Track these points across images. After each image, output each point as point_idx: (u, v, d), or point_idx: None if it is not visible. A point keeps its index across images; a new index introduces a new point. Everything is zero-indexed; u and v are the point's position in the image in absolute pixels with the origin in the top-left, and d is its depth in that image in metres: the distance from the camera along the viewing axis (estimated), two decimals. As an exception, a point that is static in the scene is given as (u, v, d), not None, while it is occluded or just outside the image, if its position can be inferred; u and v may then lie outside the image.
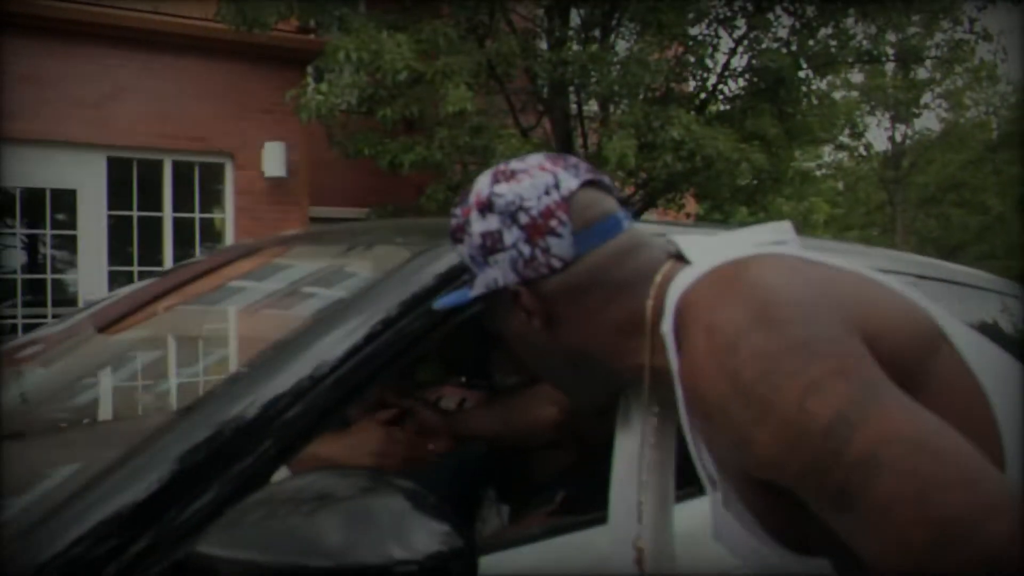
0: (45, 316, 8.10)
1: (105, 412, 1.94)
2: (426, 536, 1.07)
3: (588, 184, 1.10)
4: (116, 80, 8.32)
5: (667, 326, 1.01)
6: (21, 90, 7.92)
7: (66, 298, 8.32)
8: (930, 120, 45.90)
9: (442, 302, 1.24)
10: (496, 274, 1.10)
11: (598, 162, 8.88)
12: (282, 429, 1.25)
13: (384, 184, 12.29)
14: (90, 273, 8.33)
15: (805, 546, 0.99)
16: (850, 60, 10.59)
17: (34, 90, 7.97)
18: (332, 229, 2.35)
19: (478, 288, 1.14)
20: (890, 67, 20.32)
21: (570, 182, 1.09)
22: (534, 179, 1.09)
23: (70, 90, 8.12)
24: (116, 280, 8.44)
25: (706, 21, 9.76)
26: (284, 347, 1.36)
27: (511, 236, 1.08)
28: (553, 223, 1.07)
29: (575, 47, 9.03)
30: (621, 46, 9.73)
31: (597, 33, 9.50)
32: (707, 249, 1.07)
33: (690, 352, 0.94)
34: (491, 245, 1.09)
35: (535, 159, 1.14)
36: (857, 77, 22.70)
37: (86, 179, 8.32)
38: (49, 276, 8.36)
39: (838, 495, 0.83)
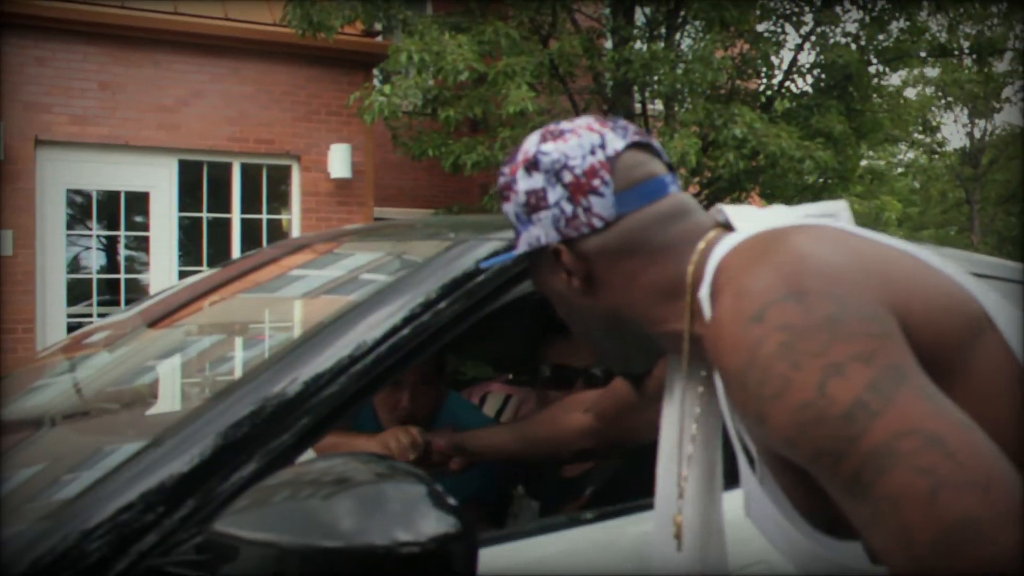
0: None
1: (158, 398, 2.02)
2: (431, 521, 1.10)
3: (636, 146, 1.10)
4: (187, 85, 8.55)
5: (704, 291, 0.99)
6: (100, 97, 8.20)
7: (139, 297, 8.57)
8: (1012, 115, 44.51)
9: (489, 262, 1.26)
10: (539, 232, 1.11)
11: (661, 161, 8.82)
12: (321, 405, 1.31)
13: (449, 185, 12.41)
14: (161, 273, 8.57)
15: (835, 528, 0.96)
16: (922, 54, 10.33)
17: (111, 96, 8.25)
18: (383, 224, 2.40)
19: (521, 246, 1.14)
20: (967, 61, 19.78)
21: (616, 143, 1.09)
22: (580, 138, 1.09)
23: (143, 96, 8.37)
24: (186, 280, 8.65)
25: (772, 17, 9.64)
26: (326, 328, 1.41)
27: (554, 194, 1.08)
28: (596, 182, 1.07)
29: (639, 45, 8.99)
30: (686, 44, 9.67)
31: (662, 31, 9.46)
32: (754, 219, 1.06)
33: (717, 315, 0.92)
34: (535, 203, 1.10)
35: (584, 120, 1.14)
36: (933, 72, 22.14)
37: (158, 181, 8.56)
38: (123, 276, 8.62)
39: (852, 482, 0.80)
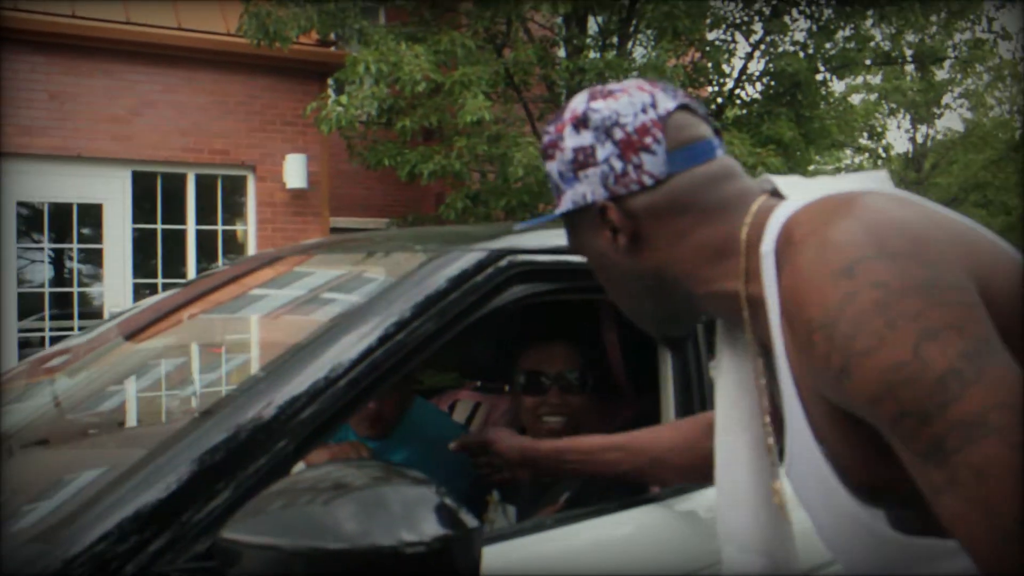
0: (72, 329, 8.24)
1: (130, 418, 2.01)
2: (433, 522, 1.13)
3: (684, 108, 1.10)
4: (140, 95, 8.47)
5: (768, 246, 0.98)
6: (48, 106, 8.09)
7: (92, 311, 8.46)
8: (953, 120, 45.60)
9: (525, 223, 1.25)
10: (585, 189, 1.10)
11: (616, 168, 8.93)
12: (297, 429, 1.31)
13: (404, 194, 12.41)
14: (115, 286, 8.47)
15: (869, 493, 0.96)
16: (868, 62, 10.58)
17: (61, 106, 8.15)
18: (352, 238, 2.42)
19: (565, 204, 1.13)
20: (910, 68, 20.25)
21: (667, 103, 1.08)
22: (632, 97, 1.09)
23: (96, 106, 8.28)
24: (140, 292, 8.57)
25: (723, 27, 9.81)
26: (300, 351, 1.42)
27: (604, 151, 1.08)
28: (648, 140, 1.06)
29: (592, 54, 9.09)
30: (639, 52, 9.79)
31: (615, 40, 9.57)
32: (804, 187, 1.06)
33: (797, 266, 0.91)
34: (583, 160, 1.09)
35: (633, 81, 1.13)
36: (876, 79, 22.62)
37: (112, 193, 8.47)
38: (76, 289, 8.50)
39: (933, 447, 0.80)
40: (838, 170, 23.87)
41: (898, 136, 40.54)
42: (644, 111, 1.07)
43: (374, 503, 1.15)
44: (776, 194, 1.08)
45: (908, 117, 24.72)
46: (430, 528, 1.12)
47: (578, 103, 1.12)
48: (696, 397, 1.77)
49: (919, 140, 25.32)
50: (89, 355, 2.26)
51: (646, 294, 1.15)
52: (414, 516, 1.14)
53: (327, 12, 8.09)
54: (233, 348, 2.07)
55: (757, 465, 1.20)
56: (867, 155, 22.08)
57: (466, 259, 1.59)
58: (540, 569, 1.47)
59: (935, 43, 12.93)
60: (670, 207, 1.07)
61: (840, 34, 10.02)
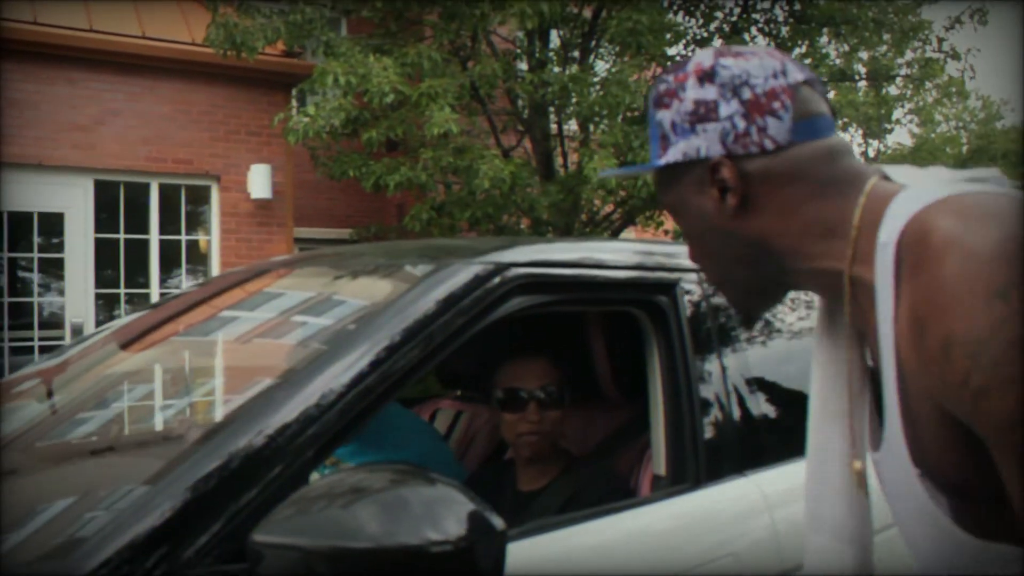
0: (31, 339, 8.14)
1: (110, 442, 1.97)
2: (456, 521, 1.17)
3: (808, 83, 1.09)
4: (103, 104, 8.41)
5: (887, 237, 0.96)
6: (8, 114, 8.00)
7: (52, 321, 8.36)
8: (902, 135, 46.55)
9: (610, 172, 1.22)
10: (700, 143, 1.08)
11: (579, 181, 9.05)
12: (291, 456, 1.34)
13: (366, 205, 12.43)
14: (76, 296, 8.38)
15: (949, 491, 0.97)
16: (824, 79, 10.81)
17: (21, 114, 8.05)
18: (336, 251, 2.43)
19: (672, 156, 1.10)
20: (861, 85, 20.67)
21: (796, 74, 1.08)
22: (763, 60, 1.07)
23: (57, 114, 8.20)
24: (102, 302, 8.49)
25: (683, 42, 9.97)
26: (290, 377, 1.44)
27: (728, 108, 1.06)
28: (776, 104, 1.06)
29: (555, 69, 9.20)
30: (600, 67, 9.92)
31: (576, 55, 9.68)
32: (920, 177, 1.06)
33: (940, 276, 0.88)
34: (703, 114, 1.07)
35: (761, 47, 1.12)
36: (830, 94, 23.01)
37: (73, 202, 8.39)
38: (36, 299, 8.39)
39: None
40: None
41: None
42: (775, 76, 1.06)
43: (395, 504, 1.19)
44: (886, 178, 1.07)
45: (860, 131, 25.22)
46: (454, 527, 1.17)
47: (704, 57, 1.10)
48: (685, 404, 1.85)
49: (870, 154, 25.81)
50: (72, 373, 2.21)
51: (741, 263, 1.12)
52: (437, 515, 1.19)
53: (294, 23, 8.10)
54: (224, 370, 2.05)
55: (834, 447, 1.20)
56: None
57: (468, 271, 1.65)
58: (538, 570, 1.53)
59: (887, 61, 13.25)
60: (786, 175, 1.06)
61: (797, 51, 10.23)
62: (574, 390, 2.14)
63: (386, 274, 1.86)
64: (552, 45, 9.75)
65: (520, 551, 1.50)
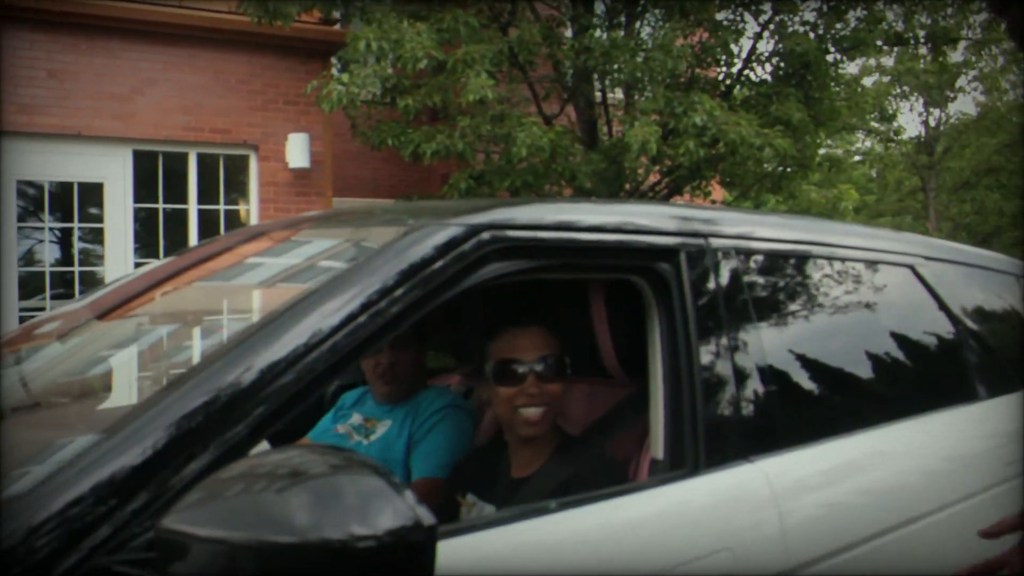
0: (75, 308, 8.19)
1: (110, 390, 1.96)
2: (387, 514, 1.06)
3: None
4: (141, 74, 8.38)
5: None
6: (49, 85, 8.01)
7: (91, 289, 8.41)
8: (966, 104, 45.18)
9: None
10: None
11: (621, 148, 8.82)
12: (276, 394, 1.27)
13: (409, 174, 12.31)
14: (117, 265, 8.41)
15: None
16: (879, 43, 10.40)
17: (61, 85, 8.06)
18: (340, 211, 2.34)
19: None
20: (923, 51, 19.99)
21: None
22: None
23: (96, 85, 8.19)
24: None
25: (731, 6, 9.64)
26: (281, 316, 1.36)
27: None
28: None
29: (598, 34, 8.95)
30: (645, 32, 9.65)
31: (622, 20, 9.42)
32: None
33: None
34: None
35: None
36: (889, 61, 22.36)
37: (113, 172, 8.40)
38: (77, 268, 8.44)
39: None
40: (848, 153, 23.65)
41: (911, 119, 40.20)
42: None
43: (329, 493, 1.08)
44: None
45: (921, 100, 24.46)
46: (383, 521, 1.05)
47: None
48: (686, 382, 1.68)
49: (932, 123, 25.05)
50: (70, 328, 2.18)
51: None
52: (369, 508, 1.07)
53: (327, -10, 7.99)
54: (214, 318, 2.01)
55: None
56: (878, 138, 21.82)
57: (439, 235, 1.50)
58: (519, 561, 1.40)
59: (948, 24, 12.73)
60: None
61: (852, 14, 9.85)
62: (574, 364, 1.98)
63: (352, 239, 1.72)
64: (597, 11, 9.49)
65: (507, 537, 1.40)
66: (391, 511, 1.06)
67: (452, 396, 2.58)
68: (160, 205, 8.67)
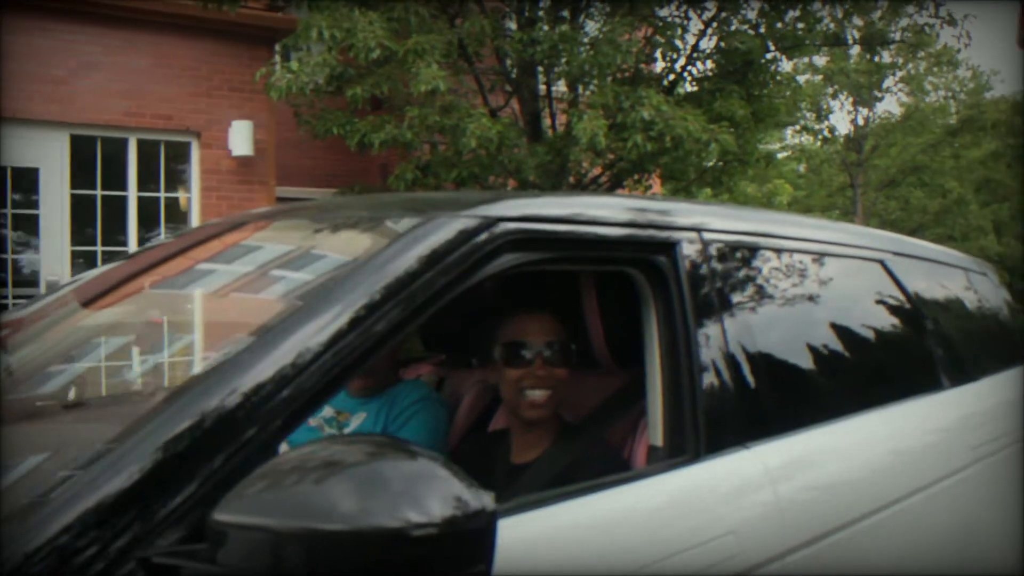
0: (5, 297, 7.96)
1: (85, 393, 1.90)
2: (440, 499, 1.06)
3: None
4: (80, 56, 8.16)
5: None
6: (-19, 66, 7.77)
7: (27, 279, 8.18)
8: (891, 104, 46.38)
9: None
10: None
11: (567, 142, 8.88)
12: (266, 417, 1.21)
13: (349, 165, 12.20)
14: (52, 253, 8.20)
15: None
16: (817, 43, 10.65)
17: (-5, 66, 7.82)
18: (317, 204, 2.31)
19: None
20: (853, 51, 20.48)
21: None
22: None
23: (32, 67, 7.95)
24: (80, 260, 8.31)
25: (675, 2, 9.77)
26: (266, 334, 1.31)
27: None
28: None
29: (544, 28, 9.00)
30: (590, 27, 9.72)
31: (566, 13, 9.48)
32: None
33: None
34: None
35: None
36: (821, 61, 22.86)
37: (48, 157, 8.18)
38: (10, 256, 8.20)
39: None
40: (779, 149, 24.13)
41: (840, 118, 41.13)
42: None
43: (371, 480, 1.08)
44: None
45: (850, 99, 25.06)
46: (437, 507, 1.05)
47: None
48: (685, 372, 1.73)
49: (860, 122, 25.69)
50: (40, 326, 2.11)
51: None
52: (417, 493, 1.07)
53: (275, -25, 7.88)
54: (208, 323, 1.97)
55: None
56: (812, 135, 22.25)
57: (455, 226, 1.52)
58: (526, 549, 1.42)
59: (882, 26, 13.06)
60: None
61: (790, 14, 10.05)
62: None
63: (367, 228, 1.72)
64: (541, 3, 9.53)
65: (512, 526, 1.39)
66: (440, 496, 1.06)
67: (427, 388, 2.59)
68: (98, 192, 8.46)
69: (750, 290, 1.95)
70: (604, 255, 1.76)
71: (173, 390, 1.29)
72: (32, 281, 8.15)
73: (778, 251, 2.06)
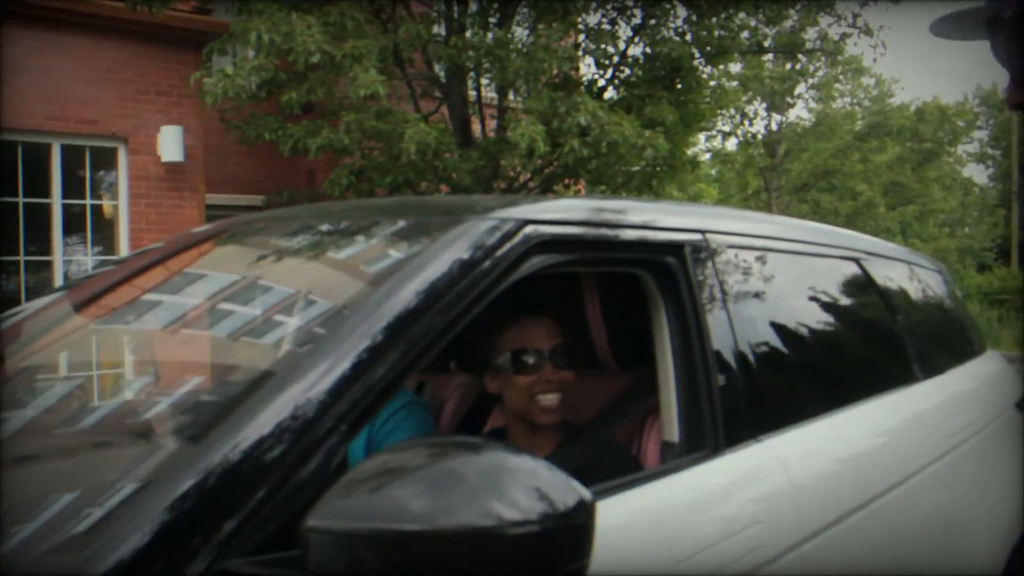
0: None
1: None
2: (527, 492, 1.03)
3: None
4: (2, 58, 7.88)
5: None
6: None
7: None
8: (802, 111, 47.67)
9: None
10: None
11: (501, 147, 8.93)
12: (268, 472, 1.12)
13: (274, 170, 12.06)
14: (-28, 262, 7.90)
15: None
16: (742, 50, 10.92)
17: (-93, 68, 7.50)
18: (275, 214, 2.17)
19: None
20: (768, 59, 21.03)
21: None
22: None
23: (-51, 69, 7.67)
24: (1, 270, 8.03)
25: (604, 10, 9.92)
26: (263, 383, 1.24)
27: None
28: None
29: (469, 34, 9.04)
30: (518, 33, 9.79)
31: (495, 20, 9.53)
32: None
33: None
34: None
35: None
36: (736, 67, 23.41)
37: (-33, 163, 7.88)
38: (-73, 266, 7.88)
39: None
40: (705, 153, 24.60)
41: (754, 124, 42.20)
42: None
43: (444, 479, 1.04)
44: None
45: (764, 105, 25.73)
46: (526, 500, 1.04)
47: None
48: (700, 368, 1.77)
49: (774, 128, 26.39)
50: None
51: None
52: (500, 485, 1.05)
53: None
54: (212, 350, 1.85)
55: None
56: (735, 139, 22.73)
57: (486, 226, 1.53)
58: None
59: (794, 35, 13.44)
60: None
61: (714, 20, 10.29)
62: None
63: (394, 233, 1.72)
64: (470, 9, 9.57)
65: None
66: (524, 487, 1.05)
67: (410, 394, 2.57)
68: (20, 199, 8.17)
69: (751, 288, 2.01)
70: (617, 256, 1.79)
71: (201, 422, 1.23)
72: (-50, 292, 7.85)
73: (772, 251, 2.13)
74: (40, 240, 8.26)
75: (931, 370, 2.59)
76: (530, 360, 1.94)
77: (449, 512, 1.01)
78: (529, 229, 1.56)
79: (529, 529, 1.00)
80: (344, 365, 1.25)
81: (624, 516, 1.50)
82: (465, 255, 1.47)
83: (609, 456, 1.95)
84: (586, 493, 1.06)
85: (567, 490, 1.05)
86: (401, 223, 1.73)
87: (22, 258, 8.18)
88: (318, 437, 1.17)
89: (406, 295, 1.36)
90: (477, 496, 1.03)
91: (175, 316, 1.85)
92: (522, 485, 1.05)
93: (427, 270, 1.43)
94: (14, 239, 8.18)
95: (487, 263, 1.48)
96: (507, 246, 1.52)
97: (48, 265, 8.29)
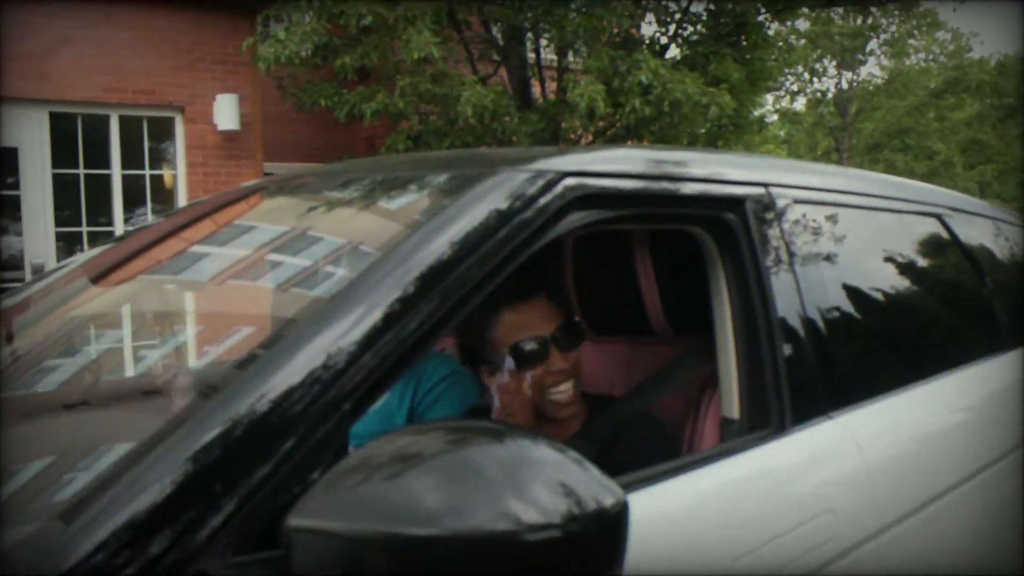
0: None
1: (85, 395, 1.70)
2: (550, 488, 0.90)
3: None
4: (58, 31, 7.88)
5: None
6: (-46, 43, 7.50)
7: (11, 263, 7.95)
8: (874, 68, 46.29)
9: None
10: None
11: (560, 109, 8.71)
12: (329, 407, 1.03)
13: (334, 138, 12.00)
14: (35, 235, 7.97)
15: None
16: (810, 4, 10.49)
17: (-32, 42, 7.55)
18: (324, 170, 2.10)
19: None
20: (836, 15, 20.30)
21: None
22: None
23: (9, 43, 7.68)
24: (62, 242, 8.09)
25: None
26: (296, 329, 1.13)
27: None
28: None
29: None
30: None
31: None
32: None
33: None
34: None
35: None
36: (804, 25, 22.72)
37: (28, 136, 7.92)
38: (-8, 239, 7.98)
39: None
40: (771, 113, 24.01)
41: (824, 82, 41.06)
42: None
43: (460, 470, 0.90)
44: None
45: (834, 63, 24.94)
46: (549, 500, 0.89)
47: None
48: (764, 336, 1.58)
49: (844, 86, 25.58)
50: (32, 315, 1.89)
51: None
52: (520, 481, 0.91)
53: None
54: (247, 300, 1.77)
55: None
56: (804, 98, 22.10)
57: (519, 180, 1.36)
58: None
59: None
60: None
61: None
62: (614, 324, 1.86)
63: (434, 186, 1.55)
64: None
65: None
66: (547, 484, 0.90)
67: (455, 362, 2.44)
68: (81, 171, 8.22)
69: (820, 247, 1.80)
70: (670, 212, 1.60)
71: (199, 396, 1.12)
72: (15, 265, 7.92)
73: (844, 206, 1.92)
74: (101, 211, 8.30)
75: (1021, 338, 2.35)
76: (532, 352, 1.72)
77: (461, 512, 0.87)
78: (569, 181, 1.38)
79: (550, 534, 0.86)
80: (375, 315, 1.12)
81: (674, 504, 1.33)
82: (500, 206, 1.30)
83: (648, 430, 1.77)
84: (619, 491, 0.89)
85: (596, 487, 0.90)
86: (442, 176, 1.56)
87: (84, 229, 8.24)
88: (345, 391, 1.05)
89: (437, 246, 1.22)
90: (494, 493, 0.89)
91: (218, 268, 1.76)
92: (546, 480, 0.91)
93: (458, 222, 1.27)
94: (77, 210, 8.24)
95: (523, 216, 1.31)
96: (542, 200, 1.34)
97: (109, 236, 8.33)
